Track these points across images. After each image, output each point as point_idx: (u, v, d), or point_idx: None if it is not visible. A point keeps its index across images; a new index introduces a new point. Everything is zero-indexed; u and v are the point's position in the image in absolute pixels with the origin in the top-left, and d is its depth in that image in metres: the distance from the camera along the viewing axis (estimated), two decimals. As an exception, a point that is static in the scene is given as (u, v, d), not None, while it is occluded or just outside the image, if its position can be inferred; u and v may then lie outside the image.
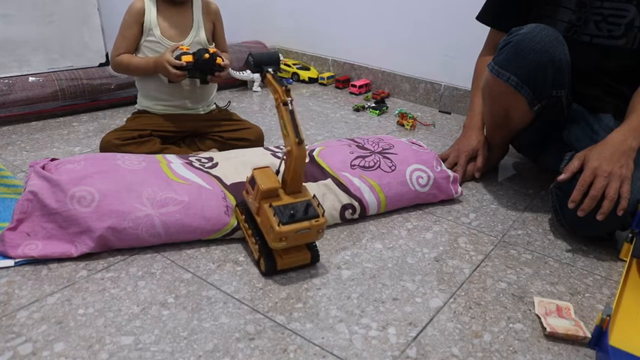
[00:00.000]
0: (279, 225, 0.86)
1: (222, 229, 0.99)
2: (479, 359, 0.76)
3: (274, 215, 0.87)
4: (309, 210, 0.89)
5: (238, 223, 1.00)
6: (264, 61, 0.96)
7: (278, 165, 0.95)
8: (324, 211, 0.92)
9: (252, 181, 0.93)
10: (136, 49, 1.31)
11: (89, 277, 0.89)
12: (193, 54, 1.24)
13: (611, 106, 1.22)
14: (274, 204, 0.89)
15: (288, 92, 0.90)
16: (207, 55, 1.24)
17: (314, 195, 0.94)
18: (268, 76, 0.94)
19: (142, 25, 1.29)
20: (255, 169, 0.93)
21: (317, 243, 0.96)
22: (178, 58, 1.23)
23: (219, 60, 1.26)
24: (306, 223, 0.88)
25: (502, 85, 1.16)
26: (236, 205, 1.02)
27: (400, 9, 2.00)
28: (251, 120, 1.47)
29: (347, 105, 1.96)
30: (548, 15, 1.23)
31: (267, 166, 0.95)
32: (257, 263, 0.95)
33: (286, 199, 0.91)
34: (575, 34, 1.20)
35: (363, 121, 1.79)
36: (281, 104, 0.89)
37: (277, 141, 1.54)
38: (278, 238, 0.87)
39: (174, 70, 1.23)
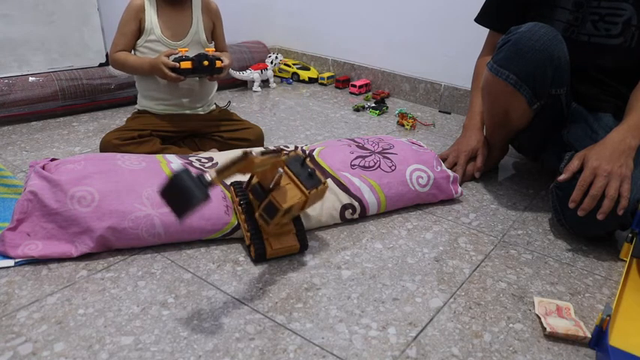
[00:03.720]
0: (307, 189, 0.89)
1: (222, 228, 0.99)
2: (479, 359, 0.76)
3: (299, 181, 0.90)
4: (314, 176, 0.92)
5: (238, 222, 1.00)
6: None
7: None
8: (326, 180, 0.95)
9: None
10: (134, 46, 1.31)
11: (89, 277, 0.89)
12: (192, 60, 1.22)
13: (611, 106, 1.22)
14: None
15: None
16: (206, 62, 1.23)
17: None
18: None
19: (141, 23, 1.29)
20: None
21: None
22: (177, 62, 1.22)
23: (218, 63, 1.26)
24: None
25: (501, 84, 1.16)
26: (231, 184, 1.02)
27: (400, 9, 2.00)
28: (251, 120, 1.47)
29: (347, 105, 1.95)
30: (545, 15, 1.23)
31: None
32: (247, 248, 0.97)
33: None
34: (573, 33, 1.20)
35: (363, 121, 1.79)
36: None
37: (277, 141, 1.54)
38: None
39: (170, 73, 1.23)
